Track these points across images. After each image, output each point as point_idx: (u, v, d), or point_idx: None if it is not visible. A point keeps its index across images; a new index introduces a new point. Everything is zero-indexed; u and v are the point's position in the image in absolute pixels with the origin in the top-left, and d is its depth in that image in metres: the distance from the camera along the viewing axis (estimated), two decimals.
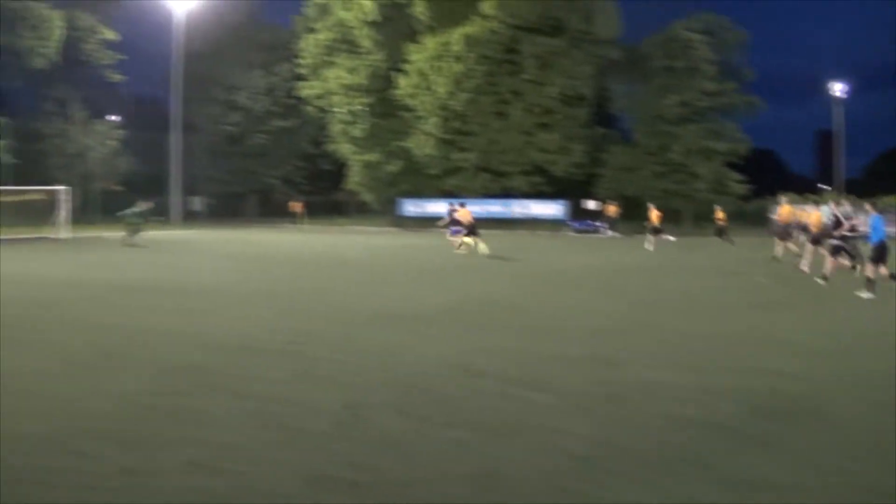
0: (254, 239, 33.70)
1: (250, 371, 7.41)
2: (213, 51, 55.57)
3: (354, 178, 51.91)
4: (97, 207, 48.77)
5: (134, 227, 28.46)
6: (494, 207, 45.46)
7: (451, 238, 26.52)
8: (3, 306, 11.60)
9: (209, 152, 58.39)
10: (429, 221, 47.24)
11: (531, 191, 45.78)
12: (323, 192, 62.58)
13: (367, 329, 9.93)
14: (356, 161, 50.73)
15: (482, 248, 23.87)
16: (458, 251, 24.76)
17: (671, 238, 30.68)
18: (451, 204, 29.04)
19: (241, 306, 12.09)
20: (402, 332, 9.66)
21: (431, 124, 45.36)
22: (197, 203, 59.62)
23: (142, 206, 29.64)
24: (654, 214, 29.40)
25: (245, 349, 8.47)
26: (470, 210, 25.44)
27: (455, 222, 26.60)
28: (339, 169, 56.63)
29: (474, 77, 43.65)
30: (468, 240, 24.46)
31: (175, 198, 51.93)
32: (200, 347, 8.53)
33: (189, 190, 57.71)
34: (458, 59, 43.71)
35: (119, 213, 29.67)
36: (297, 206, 50.29)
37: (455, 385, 6.94)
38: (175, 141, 50.95)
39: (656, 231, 29.18)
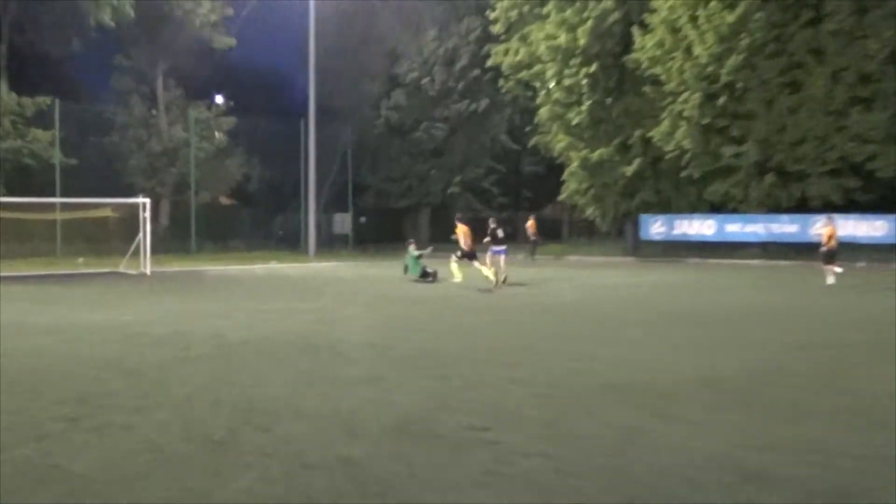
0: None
1: (418, 467, 7.52)
2: (366, 6, 56.85)
3: (573, 185, 52.04)
4: (196, 229, 49.59)
5: (416, 268, 31.43)
6: (786, 227, 44.52)
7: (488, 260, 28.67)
8: (73, 376, 12.28)
9: (361, 150, 59.57)
10: (680, 248, 46.76)
11: (841, 201, 44.18)
12: (527, 205, 62.59)
13: (584, 406, 9.94)
14: (575, 160, 50.92)
15: (458, 276, 28.21)
16: (490, 288, 27.11)
17: (838, 269, 29.76)
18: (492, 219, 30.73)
19: (404, 373, 12.35)
20: (638, 413, 9.59)
21: (688, 103, 44.98)
22: (343, 222, 60.61)
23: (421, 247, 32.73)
24: None
25: (410, 436, 8.62)
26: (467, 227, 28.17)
27: (496, 240, 29.00)
28: (549, 172, 56.73)
29: (752, 31, 42.94)
30: (488, 272, 27.35)
31: (311, 215, 51.67)
32: (347, 433, 8.72)
33: (331, 205, 58.89)
34: (727, 5, 43.23)
35: (407, 259, 32.54)
36: (531, 227, 48.07)
37: (721, 493, 6.78)
38: (310, 134, 50.81)
39: (830, 256, 29.14)
